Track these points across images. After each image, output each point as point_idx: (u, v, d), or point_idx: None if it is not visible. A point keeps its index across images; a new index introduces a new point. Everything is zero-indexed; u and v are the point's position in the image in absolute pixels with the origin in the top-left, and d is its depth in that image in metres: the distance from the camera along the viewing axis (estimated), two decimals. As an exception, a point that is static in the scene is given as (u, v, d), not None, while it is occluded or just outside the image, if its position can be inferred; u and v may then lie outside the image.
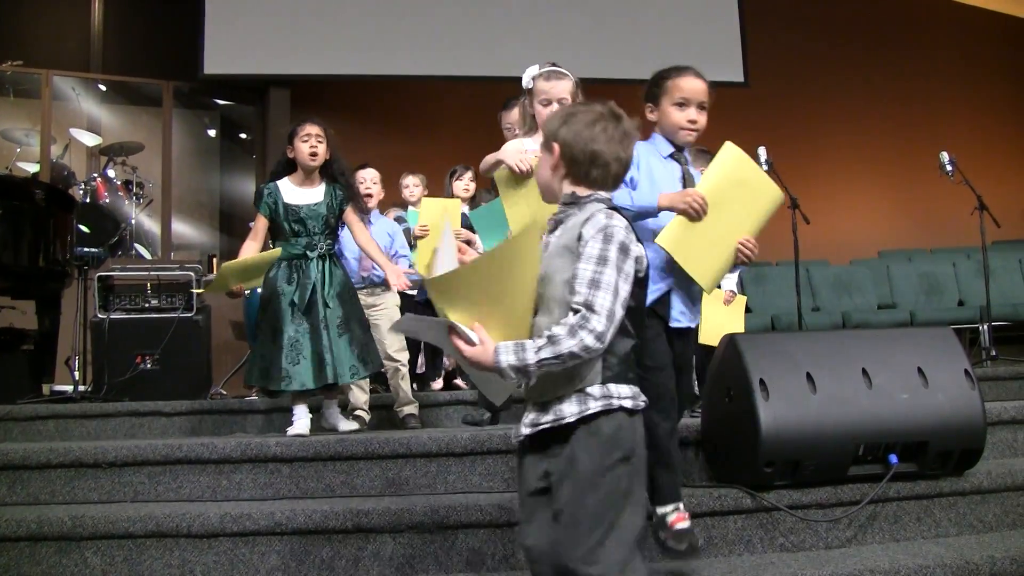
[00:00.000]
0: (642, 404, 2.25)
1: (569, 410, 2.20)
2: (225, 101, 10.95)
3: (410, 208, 6.31)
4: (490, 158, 3.82)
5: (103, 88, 10.34)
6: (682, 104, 3.13)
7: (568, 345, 2.13)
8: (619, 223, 2.24)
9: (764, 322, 8.64)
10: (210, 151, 11.26)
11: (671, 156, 3.16)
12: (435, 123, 10.63)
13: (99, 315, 5.87)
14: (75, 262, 6.32)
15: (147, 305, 5.96)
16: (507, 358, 2.16)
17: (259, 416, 5.06)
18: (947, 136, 10.86)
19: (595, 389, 2.21)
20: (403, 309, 5.44)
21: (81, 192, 8.83)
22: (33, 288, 6.01)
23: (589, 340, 2.13)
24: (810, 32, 12.16)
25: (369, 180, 5.59)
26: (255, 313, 6.61)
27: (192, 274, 6.08)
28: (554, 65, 3.84)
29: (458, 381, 6.73)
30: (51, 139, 9.49)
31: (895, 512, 3.27)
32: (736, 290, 5.92)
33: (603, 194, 2.34)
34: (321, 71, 9.89)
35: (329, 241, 4.51)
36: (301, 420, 4.33)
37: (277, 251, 4.44)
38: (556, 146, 2.35)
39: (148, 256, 9.36)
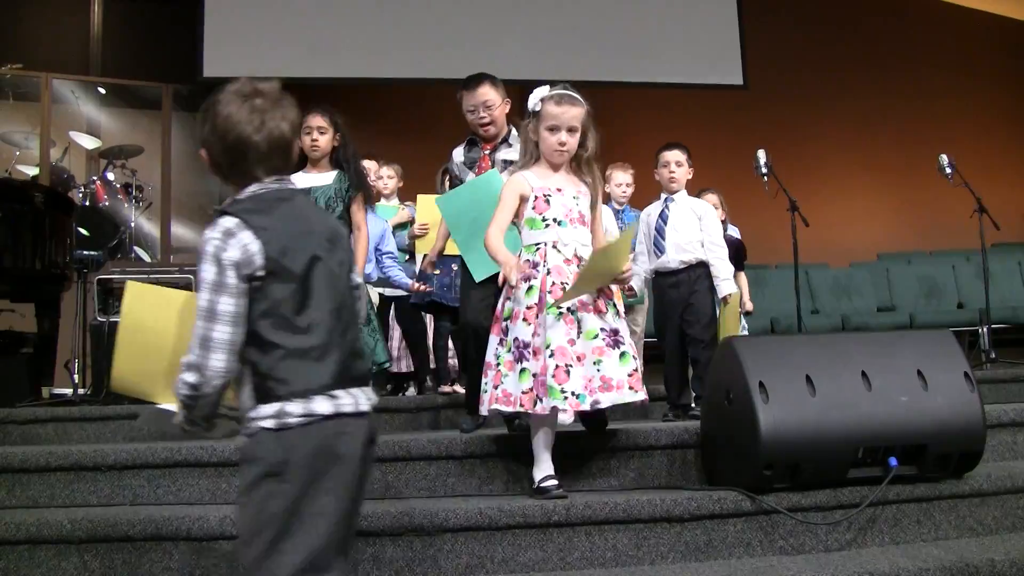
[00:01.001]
0: (293, 421, 2.02)
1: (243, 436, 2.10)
2: (225, 104, 10.94)
3: (382, 201, 6.19)
4: (492, 244, 3.44)
5: (102, 91, 10.34)
6: None
7: (178, 389, 2.05)
8: (215, 233, 2.06)
9: (763, 324, 8.64)
10: (210, 154, 11.26)
11: None
12: (432, 125, 10.59)
13: (99, 318, 5.87)
14: (74, 265, 6.33)
15: (146, 308, 5.94)
16: (178, 417, 2.11)
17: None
18: (946, 138, 10.87)
19: (250, 413, 2.07)
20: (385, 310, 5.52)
21: (80, 195, 8.84)
22: (32, 291, 6.02)
23: (190, 378, 2.03)
24: (809, 35, 12.18)
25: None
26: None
27: (192, 277, 6.07)
28: (567, 88, 3.52)
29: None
30: (50, 142, 9.50)
31: (895, 515, 3.27)
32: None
33: (252, 188, 2.18)
34: (319, 74, 9.90)
35: None
36: None
37: None
38: (203, 151, 2.20)
39: (148, 259, 9.36)
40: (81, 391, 5.84)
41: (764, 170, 6.57)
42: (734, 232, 7.70)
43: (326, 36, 9.85)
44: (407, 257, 6.38)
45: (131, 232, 8.98)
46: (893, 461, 3.20)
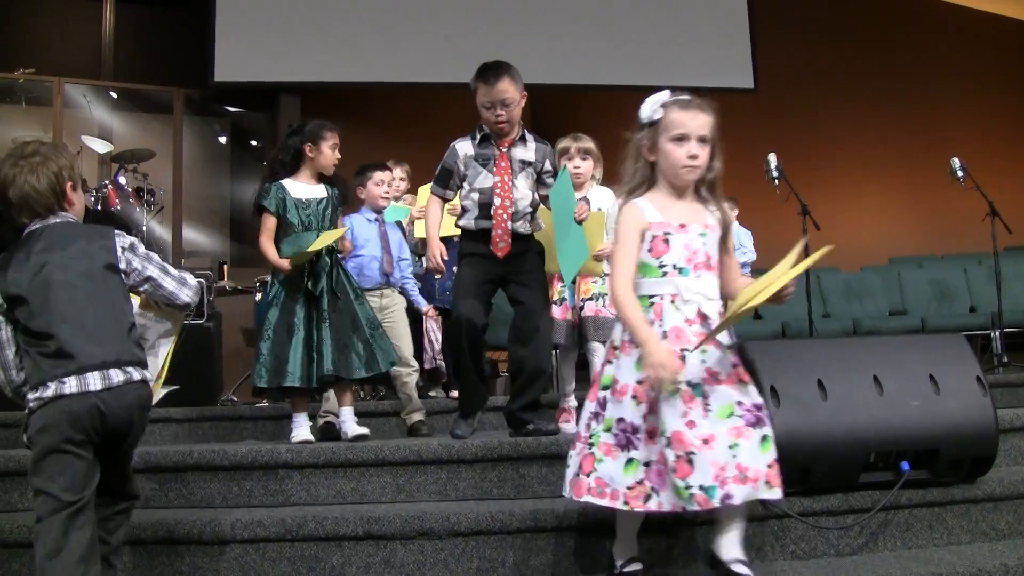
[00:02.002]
0: (33, 406, 2.64)
1: None
2: (235, 108, 10.99)
3: (390, 203, 6.08)
4: (629, 312, 2.71)
5: (114, 96, 10.38)
6: None
7: None
8: None
9: (775, 328, 8.62)
10: (221, 158, 11.30)
11: None
12: (443, 129, 10.59)
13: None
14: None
15: (158, 312, 5.97)
16: None
17: (270, 423, 5.06)
18: (958, 141, 10.83)
19: None
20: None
21: (92, 199, 8.84)
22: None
23: None
24: (820, 38, 12.17)
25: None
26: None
27: (203, 281, 6.08)
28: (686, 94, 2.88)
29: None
30: (62, 146, 9.51)
31: (907, 519, 3.26)
32: None
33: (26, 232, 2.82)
34: (331, 78, 9.93)
35: None
36: (302, 427, 4.35)
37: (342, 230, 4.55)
38: None
39: (159, 263, 9.37)
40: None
41: (775, 174, 6.57)
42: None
43: (336, 41, 9.87)
44: (417, 259, 6.37)
45: (143, 236, 9.00)
46: (905, 465, 3.19)
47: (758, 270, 9.12)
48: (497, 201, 4.19)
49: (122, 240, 2.89)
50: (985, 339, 8.17)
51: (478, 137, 4.30)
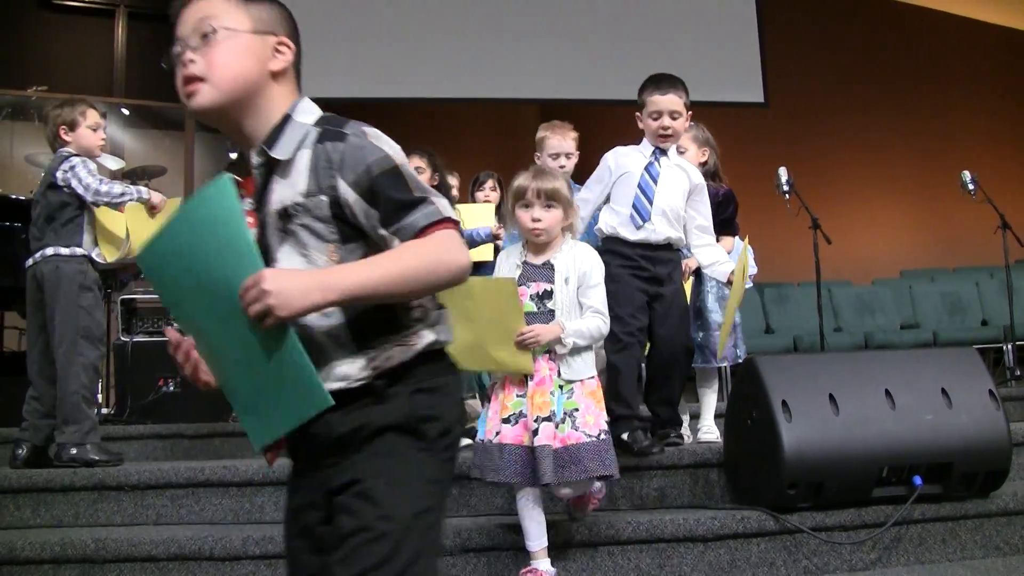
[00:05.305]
0: None
1: None
2: (247, 124, 11.02)
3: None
4: None
5: (126, 112, 10.43)
6: None
7: None
8: None
9: (786, 343, 8.61)
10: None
11: None
12: (456, 144, 10.68)
13: (122, 338, 5.90)
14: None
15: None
16: None
17: (281, 438, 5.06)
18: (969, 154, 10.82)
19: None
20: None
21: (104, 215, 8.89)
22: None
23: None
24: (830, 52, 12.17)
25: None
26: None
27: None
28: None
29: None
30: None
31: (920, 534, 3.25)
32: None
33: None
34: (341, 94, 9.95)
35: None
36: None
37: None
38: None
39: (170, 279, 9.40)
40: (105, 411, 5.86)
41: (786, 188, 6.56)
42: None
43: (346, 57, 9.90)
44: None
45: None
46: (918, 480, 3.18)
47: (769, 284, 9.12)
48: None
49: (66, 164, 4.28)
50: (997, 352, 8.15)
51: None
